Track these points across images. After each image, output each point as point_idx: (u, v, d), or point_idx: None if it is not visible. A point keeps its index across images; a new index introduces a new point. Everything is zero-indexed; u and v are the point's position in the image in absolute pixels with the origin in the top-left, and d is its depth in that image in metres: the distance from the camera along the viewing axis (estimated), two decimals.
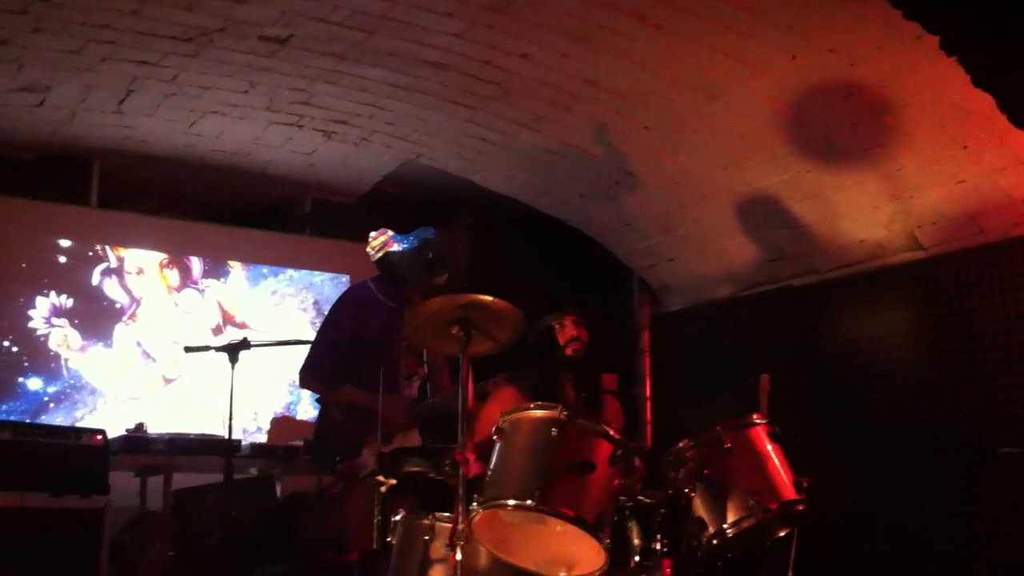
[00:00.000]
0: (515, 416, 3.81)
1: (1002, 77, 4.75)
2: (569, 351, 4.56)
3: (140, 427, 5.93)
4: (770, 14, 4.96)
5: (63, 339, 6.96)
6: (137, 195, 7.47)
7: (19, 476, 5.09)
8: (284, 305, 7.91)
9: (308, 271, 7.88)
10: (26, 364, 6.78)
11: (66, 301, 6.99)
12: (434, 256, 5.29)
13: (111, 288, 7.24)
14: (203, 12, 5.16)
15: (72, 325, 6.99)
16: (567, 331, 4.59)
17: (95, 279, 7.19)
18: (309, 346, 5.29)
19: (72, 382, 6.95)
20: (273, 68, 5.76)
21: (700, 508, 3.89)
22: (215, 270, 7.59)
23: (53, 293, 6.99)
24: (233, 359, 4.43)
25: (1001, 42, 4.60)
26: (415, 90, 6.01)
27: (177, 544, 5.63)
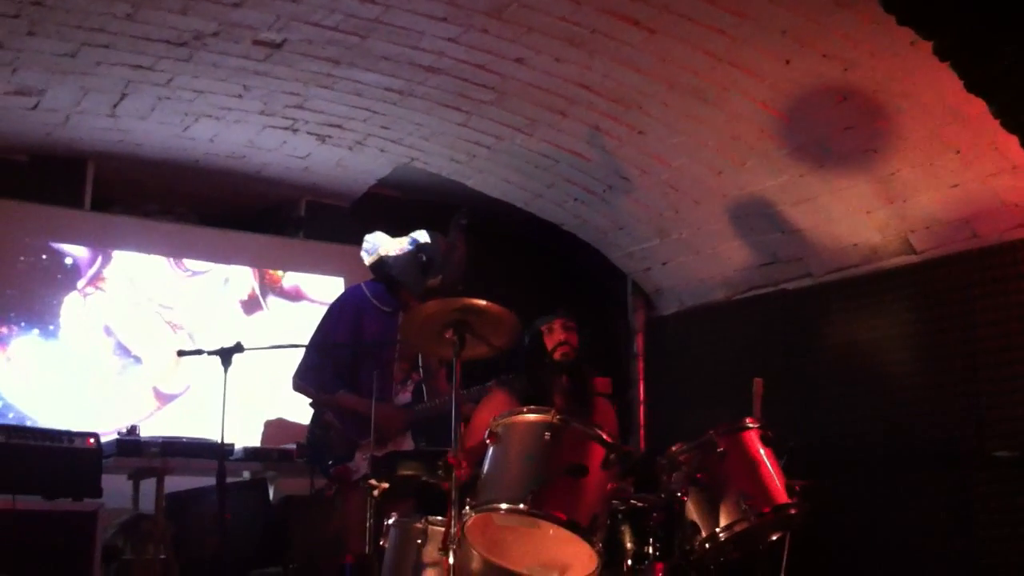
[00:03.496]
0: (508, 420, 3.81)
1: (995, 82, 4.76)
2: (558, 355, 4.57)
3: (133, 430, 5.93)
4: (764, 19, 4.97)
5: None
6: (131, 198, 7.43)
7: (11, 479, 5.06)
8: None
9: None
10: None
11: None
12: (428, 259, 5.28)
13: None
14: (197, 16, 5.16)
15: None
16: (555, 335, 4.60)
17: None
18: (304, 350, 5.28)
19: None
20: (267, 72, 5.76)
21: (693, 512, 3.90)
22: None
23: None
24: (226, 363, 4.30)
25: (994, 48, 4.62)
26: (409, 94, 6.02)
27: (173, 547, 5.62)
